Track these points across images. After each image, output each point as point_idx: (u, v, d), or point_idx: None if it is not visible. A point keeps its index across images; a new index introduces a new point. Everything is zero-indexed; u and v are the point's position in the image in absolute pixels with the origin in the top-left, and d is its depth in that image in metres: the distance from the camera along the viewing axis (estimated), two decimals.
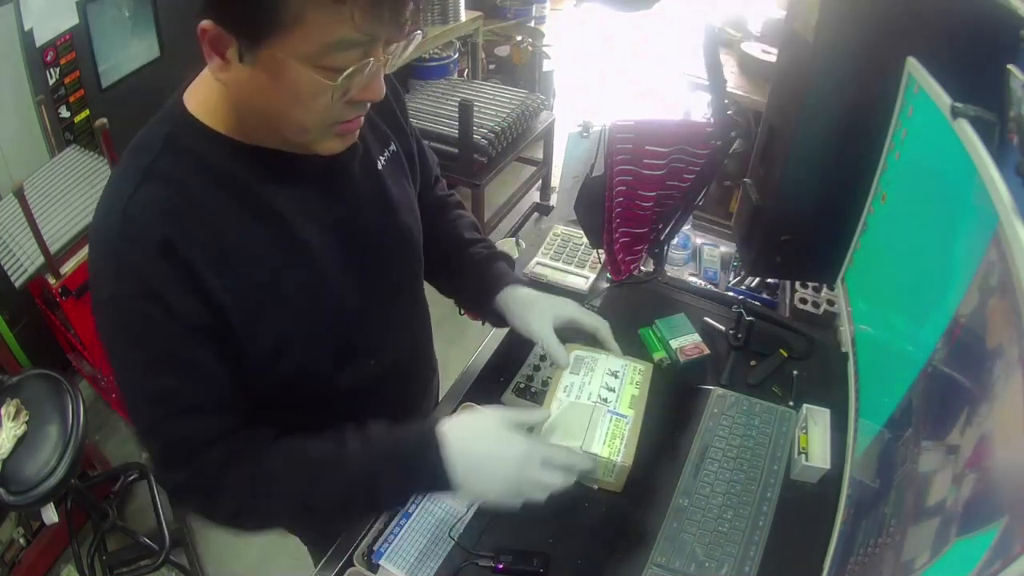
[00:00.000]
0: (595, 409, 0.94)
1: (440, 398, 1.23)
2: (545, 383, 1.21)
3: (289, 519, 0.84)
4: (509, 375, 1.18)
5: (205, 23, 0.60)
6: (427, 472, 0.77)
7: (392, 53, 0.67)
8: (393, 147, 0.90)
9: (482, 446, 0.78)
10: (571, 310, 1.01)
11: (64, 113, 2.29)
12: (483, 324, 1.26)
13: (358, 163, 0.82)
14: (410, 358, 1.04)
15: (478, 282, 1.05)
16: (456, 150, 2.79)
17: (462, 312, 1.41)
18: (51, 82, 2.20)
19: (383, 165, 0.87)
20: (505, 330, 1.27)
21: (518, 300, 1.01)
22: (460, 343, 1.12)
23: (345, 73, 0.62)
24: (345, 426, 0.80)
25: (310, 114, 0.66)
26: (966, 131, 0.67)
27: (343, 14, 0.58)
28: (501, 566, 0.88)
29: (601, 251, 1.32)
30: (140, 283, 0.67)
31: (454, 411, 1.11)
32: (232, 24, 0.60)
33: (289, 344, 0.79)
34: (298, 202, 0.77)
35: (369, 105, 0.71)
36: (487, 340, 1.27)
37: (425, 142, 1.07)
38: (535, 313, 0.99)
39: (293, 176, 0.76)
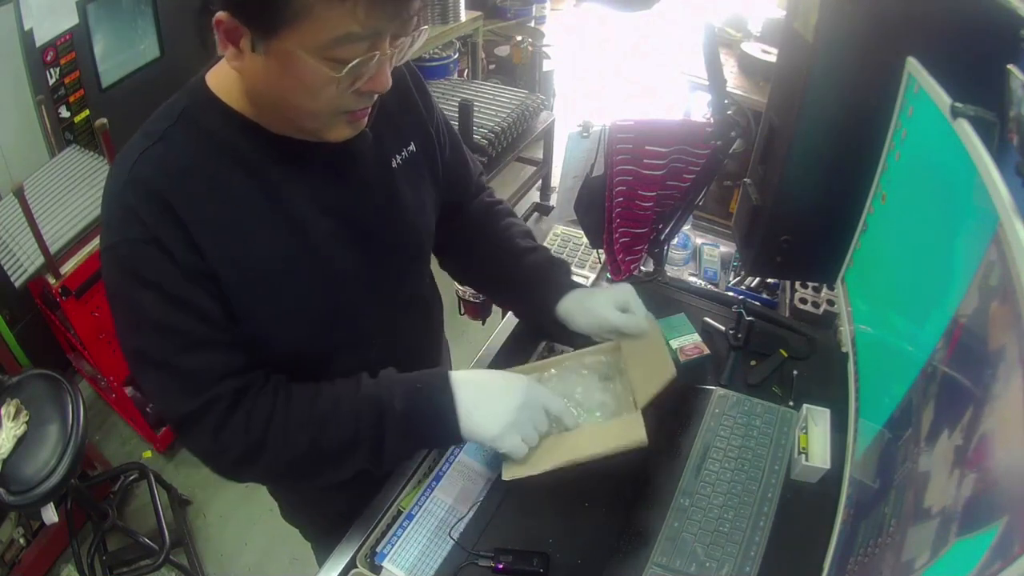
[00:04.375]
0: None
1: None
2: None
3: (293, 466, 0.81)
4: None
5: (220, 14, 0.63)
6: (433, 409, 0.81)
7: (400, 47, 0.69)
8: (412, 148, 0.91)
9: (488, 377, 0.87)
10: (627, 295, 0.99)
11: (64, 113, 2.29)
12: (483, 324, 1.26)
13: (369, 154, 0.84)
14: (415, 358, 1.02)
15: (539, 291, 1.02)
16: None
17: (462, 312, 1.41)
18: (51, 82, 2.20)
19: (398, 164, 0.88)
20: (507, 332, 1.27)
21: (577, 298, 0.99)
22: (460, 343, 1.12)
23: (350, 65, 0.64)
24: (360, 374, 0.84)
25: (318, 103, 0.69)
26: (966, 131, 0.67)
27: (347, 9, 0.61)
28: (501, 566, 0.88)
29: (601, 251, 1.32)
30: (145, 229, 0.70)
31: None
32: (245, 16, 0.63)
33: (281, 325, 0.80)
34: (305, 186, 0.79)
35: (377, 96, 0.73)
36: (489, 341, 1.27)
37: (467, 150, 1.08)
38: (598, 300, 0.98)
39: (302, 160, 0.78)
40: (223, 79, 0.75)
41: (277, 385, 0.80)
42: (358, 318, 0.89)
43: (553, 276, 1.02)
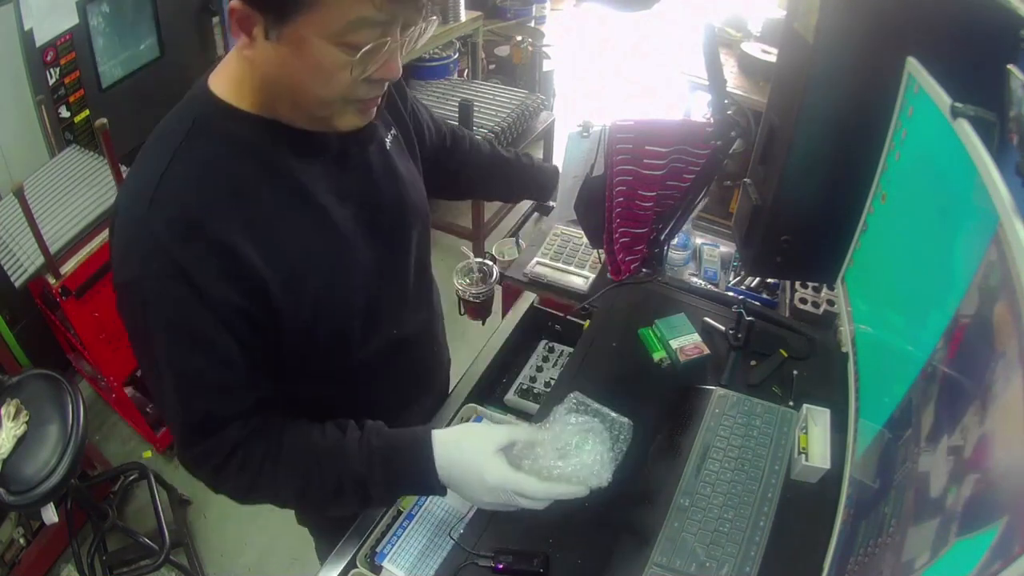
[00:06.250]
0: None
1: (450, 390, 1.23)
2: (548, 383, 1.21)
3: (290, 502, 0.87)
4: (512, 376, 1.18)
5: (234, 2, 0.63)
6: (415, 476, 0.81)
7: (410, 36, 0.70)
8: (394, 131, 0.94)
9: (461, 468, 0.79)
10: None
11: (64, 113, 2.29)
12: (483, 324, 1.26)
13: (377, 141, 0.86)
14: (426, 331, 1.07)
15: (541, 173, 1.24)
16: None
17: (463, 312, 1.41)
18: (51, 82, 2.20)
19: (390, 145, 0.91)
20: (508, 331, 1.27)
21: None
22: (461, 343, 1.11)
23: (364, 50, 0.65)
24: (347, 422, 0.83)
25: (331, 89, 0.69)
26: (966, 131, 0.67)
27: None
28: (501, 566, 0.88)
29: (601, 251, 1.32)
30: (171, 264, 0.68)
31: (457, 412, 1.11)
32: (259, 3, 0.63)
33: (324, 310, 0.82)
34: (320, 176, 0.80)
35: (387, 85, 0.74)
36: (490, 340, 1.27)
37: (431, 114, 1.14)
38: None
39: (315, 152, 0.79)
40: (228, 80, 0.74)
41: (271, 431, 0.80)
42: (385, 297, 0.92)
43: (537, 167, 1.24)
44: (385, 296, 0.92)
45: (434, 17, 0.71)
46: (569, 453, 0.82)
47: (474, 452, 0.79)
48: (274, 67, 0.68)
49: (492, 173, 1.25)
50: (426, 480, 0.80)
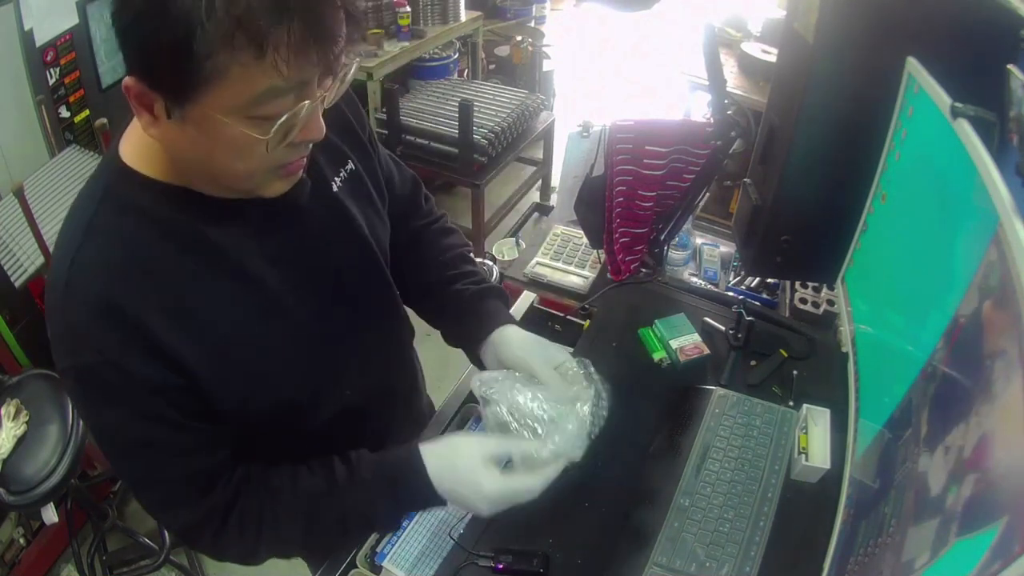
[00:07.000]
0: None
1: (433, 399, 1.22)
2: None
3: (296, 548, 0.85)
4: None
5: (128, 80, 0.57)
6: (416, 503, 0.81)
7: (328, 89, 0.63)
8: (351, 166, 0.86)
9: (459, 487, 0.78)
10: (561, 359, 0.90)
11: (64, 113, 2.29)
12: None
13: (307, 194, 0.77)
14: (388, 382, 1.01)
15: (467, 320, 0.96)
16: (456, 150, 2.79)
17: None
18: (51, 82, 2.20)
19: (339, 187, 0.83)
20: None
21: (511, 343, 0.91)
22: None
23: (279, 122, 0.59)
24: (332, 458, 0.80)
25: (249, 164, 0.63)
26: (966, 131, 0.67)
27: (266, 64, 0.55)
28: (501, 566, 0.88)
29: (601, 251, 1.32)
30: (95, 352, 0.65)
31: (457, 412, 1.11)
32: (154, 81, 0.57)
33: (259, 386, 0.77)
34: (250, 243, 0.74)
35: (311, 145, 0.68)
36: None
37: (393, 157, 1.01)
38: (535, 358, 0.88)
39: (240, 218, 0.72)
40: (138, 147, 0.68)
41: (259, 488, 0.78)
42: (333, 359, 0.86)
43: (484, 307, 0.95)
44: (331, 358, 0.85)
45: (356, 60, 0.64)
46: (551, 428, 0.80)
47: (467, 471, 0.77)
48: (183, 145, 0.62)
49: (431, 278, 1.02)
50: (427, 502, 0.79)
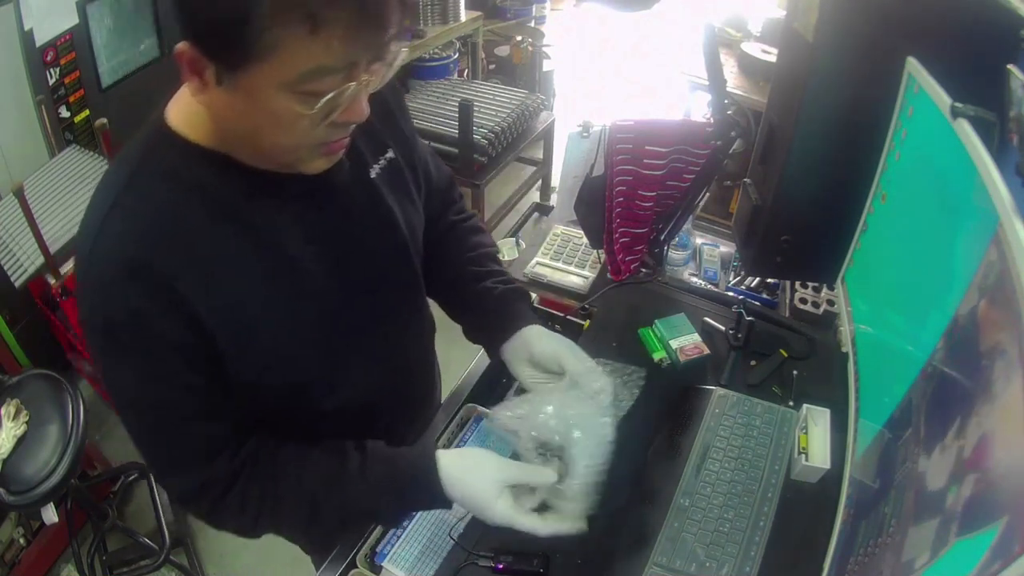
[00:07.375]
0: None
1: (442, 400, 1.22)
2: None
3: (295, 532, 0.86)
4: (512, 376, 1.17)
5: (182, 45, 0.58)
6: (423, 504, 0.81)
7: (375, 72, 0.64)
8: (391, 154, 0.86)
9: (468, 500, 0.79)
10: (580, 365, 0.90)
11: (64, 113, 2.29)
12: None
13: (346, 175, 0.79)
14: (408, 371, 1.01)
15: (493, 317, 0.97)
16: (456, 150, 2.79)
17: None
18: (51, 82, 2.20)
19: (377, 174, 0.84)
20: None
21: (543, 338, 0.93)
22: (461, 343, 1.11)
23: (324, 100, 0.60)
24: (344, 445, 0.81)
25: (291, 138, 0.65)
26: (966, 131, 0.67)
27: (319, 42, 0.56)
28: (501, 566, 0.88)
29: (601, 251, 1.32)
30: (118, 306, 0.66)
31: (456, 412, 1.11)
32: (209, 49, 0.58)
33: (275, 363, 0.77)
34: (285, 218, 0.74)
35: (354, 126, 0.69)
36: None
37: (432, 151, 1.02)
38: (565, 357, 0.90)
39: (279, 193, 0.73)
40: (186, 111, 0.69)
41: (264, 468, 0.78)
42: (357, 342, 0.87)
43: (510, 308, 0.96)
44: (355, 341, 0.86)
45: (404, 49, 0.65)
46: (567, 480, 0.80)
47: (480, 490, 0.78)
48: (229, 113, 0.64)
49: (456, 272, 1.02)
50: (435, 504, 0.80)
